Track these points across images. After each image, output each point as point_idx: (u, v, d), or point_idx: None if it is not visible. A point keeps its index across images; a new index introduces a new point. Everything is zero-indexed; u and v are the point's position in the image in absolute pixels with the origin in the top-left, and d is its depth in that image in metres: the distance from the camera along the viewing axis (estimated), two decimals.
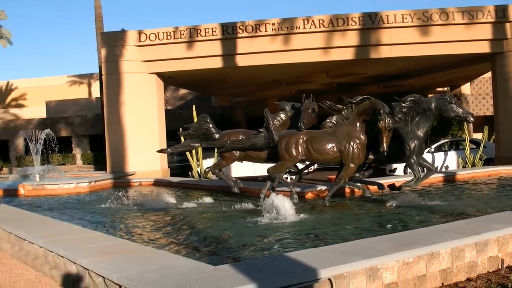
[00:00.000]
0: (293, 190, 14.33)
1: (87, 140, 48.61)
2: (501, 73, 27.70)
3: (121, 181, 25.52)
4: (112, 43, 29.74)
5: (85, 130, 48.42)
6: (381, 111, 13.08)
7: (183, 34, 28.35)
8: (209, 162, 26.00)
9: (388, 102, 13.95)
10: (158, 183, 24.08)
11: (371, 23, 27.09)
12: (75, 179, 24.42)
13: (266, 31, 27.84)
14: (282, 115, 15.43)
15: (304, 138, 14.01)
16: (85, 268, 7.38)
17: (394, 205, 13.73)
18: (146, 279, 6.23)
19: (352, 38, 27.62)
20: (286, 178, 17.63)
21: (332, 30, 27.35)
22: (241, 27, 28.01)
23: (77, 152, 47.94)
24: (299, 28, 27.45)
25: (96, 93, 56.27)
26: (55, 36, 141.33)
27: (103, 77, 30.45)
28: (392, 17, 26.85)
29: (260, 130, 14.82)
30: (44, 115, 53.35)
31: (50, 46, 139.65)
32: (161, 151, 18.54)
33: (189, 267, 6.73)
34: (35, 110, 56.17)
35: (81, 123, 48.55)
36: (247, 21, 27.96)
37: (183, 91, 51.52)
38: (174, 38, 28.53)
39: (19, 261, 9.99)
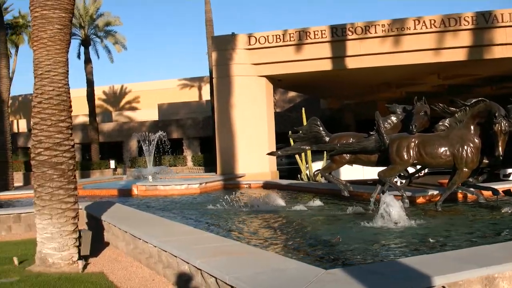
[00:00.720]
0: (404, 194, 14.06)
1: (197, 142, 49.58)
2: None
3: (231, 182, 25.82)
4: (223, 46, 30.20)
5: (196, 132, 49.41)
6: (496, 114, 12.60)
7: (292, 37, 28.44)
8: (318, 165, 25.95)
9: (503, 104, 13.44)
10: (267, 185, 24.13)
11: (485, 22, 26.22)
12: (186, 180, 24.92)
13: (376, 32, 27.50)
14: (393, 118, 15.16)
15: (416, 142, 13.71)
16: (198, 268, 7.52)
17: (510, 211, 13.20)
18: (259, 281, 6.29)
19: (465, 38, 26.84)
20: (396, 181, 17.33)
21: (443, 30, 26.70)
22: (350, 29, 27.80)
23: (188, 154, 48.92)
24: (409, 29, 26.95)
25: (206, 96, 57.28)
26: (167, 40, 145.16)
27: (214, 80, 30.97)
28: (507, 16, 25.88)
29: (371, 133, 14.63)
30: (156, 118, 54.82)
31: (162, 50, 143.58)
32: (271, 153, 18.66)
33: (300, 270, 6.74)
34: (147, 113, 57.78)
35: (192, 125, 49.58)
36: (357, 22, 27.71)
37: (291, 94, 51.66)
38: (283, 41, 28.65)
39: (134, 259, 10.31)
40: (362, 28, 27.59)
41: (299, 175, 26.72)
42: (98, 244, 11.61)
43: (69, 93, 9.97)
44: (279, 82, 32.84)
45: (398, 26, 27.05)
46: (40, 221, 9.81)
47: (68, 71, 9.97)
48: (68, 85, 9.97)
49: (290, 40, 28.51)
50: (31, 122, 10.01)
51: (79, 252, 9.93)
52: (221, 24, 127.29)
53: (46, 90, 9.71)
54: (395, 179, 16.67)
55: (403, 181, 17.93)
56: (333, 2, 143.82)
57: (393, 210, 12.14)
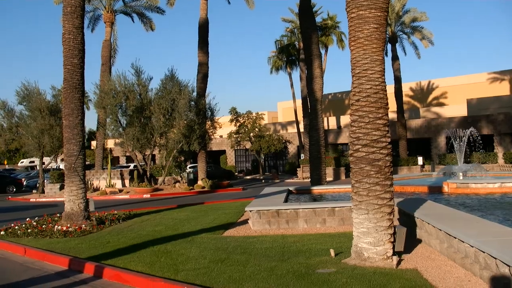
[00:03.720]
0: None
1: (509, 138, 47.27)
2: None
3: None
4: None
5: (508, 128, 47.10)
6: None
7: None
8: None
9: None
10: None
11: None
12: (499, 178, 23.88)
13: None
14: None
15: None
16: None
17: None
18: None
19: None
20: None
21: None
22: None
23: (499, 151, 46.90)
24: None
25: None
26: (474, 32, 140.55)
27: None
28: None
29: None
30: (465, 113, 53.44)
31: (470, 43, 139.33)
32: None
33: None
34: (455, 108, 56.65)
35: (504, 120, 47.35)
36: None
37: None
38: None
39: (447, 258, 10.15)
40: None
41: None
42: (411, 241, 11.64)
43: (385, 91, 10.12)
44: None
45: None
46: (357, 215, 10.10)
47: (384, 69, 10.13)
48: (385, 82, 10.13)
49: None
50: (350, 120, 10.34)
51: (393, 248, 10.05)
52: None
53: (363, 89, 9.99)
54: None
55: None
56: None
57: None
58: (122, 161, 75.46)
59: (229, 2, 49.43)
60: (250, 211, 15.96)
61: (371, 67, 9.95)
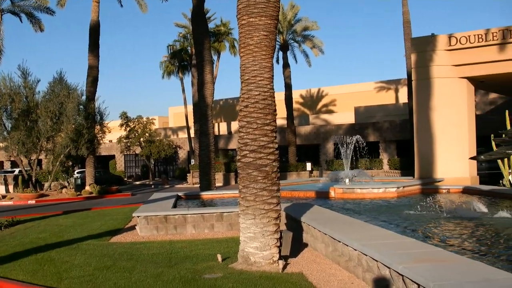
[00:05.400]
0: None
1: (394, 145, 48.91)
2: None
3: (429, 187, 25.17)
4: (422, 48, 29.52)
5: (393, 136, 48.77)
6: None
7: (496, 36, 27.10)
8: None
9: None
10: (467, 190, 23.20)
11: None
12: (383, 184, 24.69)
13: None
14: None
15: None
16: (400, 274, 7.40)
17: None
18: None
19: None
20: None
21: None
22: None
23: (384, 157, 48.42)
24: None
25: (403, 99, 56.45)
26: (363, 43, 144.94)
27: (413, 82, 30.35)
28: None
29: None
30: (352, 121, 54.84)
31: (358, 53, 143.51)
32: (473, 158, 17.96)
33: None
34: (344, 116, 58.01)
35: (389, 128, 48.99)
36: None
37: (493, 95, 49.25)
38: (486, 41, 27.37)
39: (332, 262, 10.40)
40: None
41: (500, 181, 25.50)
42: (297, 245, 11.82)
43: (274, 97, 10.23)
44: (480, 84, 31.47)
45: None
46: (244, 220, 10.16)
47: (273, 76, 10.25)
48: (273, 89, 10.24)
49: (493, 40, 27.19)
50: (238, 125, 10.39)
51: (279, 252, 10.17)
52: (419, 25, 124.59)
53: (252, 95, 10.05)
54: None
55: None
56: None
57: None
58: (7, 165, 72.69)
59: (121, 5, 48.75)
60: (138, 216, 15.73)
61: (260, 74, 10.03)
